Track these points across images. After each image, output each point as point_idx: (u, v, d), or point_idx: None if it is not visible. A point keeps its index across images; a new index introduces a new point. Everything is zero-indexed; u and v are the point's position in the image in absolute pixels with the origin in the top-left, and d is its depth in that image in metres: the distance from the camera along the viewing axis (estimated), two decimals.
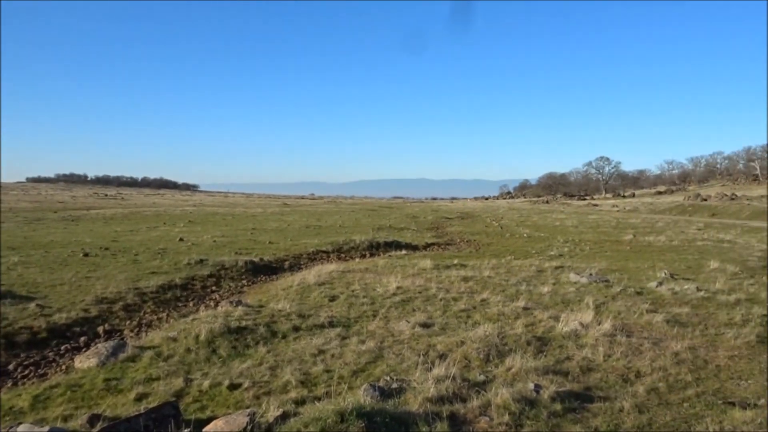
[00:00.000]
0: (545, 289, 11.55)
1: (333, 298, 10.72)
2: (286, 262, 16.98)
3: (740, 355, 7.33)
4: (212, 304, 11.22)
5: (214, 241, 20.84)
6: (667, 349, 7.41)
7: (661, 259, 17.77)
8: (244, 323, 8.51)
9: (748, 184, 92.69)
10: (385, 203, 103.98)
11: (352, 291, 11.42)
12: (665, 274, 13.81)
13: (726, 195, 63.45)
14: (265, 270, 15.59)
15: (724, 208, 50.71)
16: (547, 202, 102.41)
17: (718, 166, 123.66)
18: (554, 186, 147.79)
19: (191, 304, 11.36)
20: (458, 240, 26.33)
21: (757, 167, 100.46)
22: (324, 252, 19.58)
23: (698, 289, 11.44)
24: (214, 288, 13.00)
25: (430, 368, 6.41)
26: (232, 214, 42.73)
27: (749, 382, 6.42)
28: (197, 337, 7.82)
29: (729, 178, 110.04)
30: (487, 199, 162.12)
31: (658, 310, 9.64)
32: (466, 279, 13.02)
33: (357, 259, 18.48)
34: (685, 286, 11.79)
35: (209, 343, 7.70)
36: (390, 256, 19.11)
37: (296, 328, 8.49)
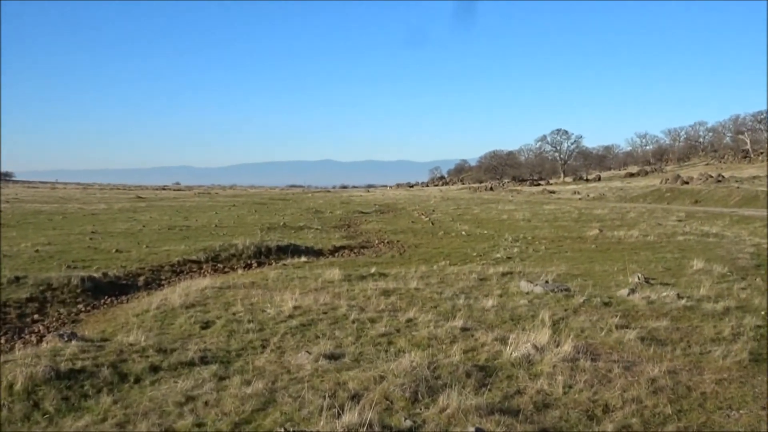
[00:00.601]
0: (489, 302, 11.83)
1: (207, 325, 10.52)
2: (141, 278, 16.53)
3: (730, 379, 7.77)
4: (34, 339, 10.76)
5: (37, 251, 19.94)
6: (642, 374, 7.75)
7: (634, 260, 18.63)
8: (80, 364, 8.18)
9: (737, 163, 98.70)
10: (278, 194, 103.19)
11: (234, 314, 11.25)
12: (639, 278, 14.48)
13: (711, 176, 67.38)
14: (110, 289, 15.08)
15: (709, 193, 53.81)
16: (492, 188, 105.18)
17: (701, 140, 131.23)
18: (500, 168, 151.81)
19: (3, 340, 10.84)
20: (376, 241, 26.52)
21: (748, 141, 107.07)
22: (194, 262, 19.21)
23: (679, 297, 12.07)
24: (36, 316, 12.46)
25: (339, 414, 6.40)
26: (63, 212, 41.02)
27: (741, 412, 6.81)
28: (11, 386, 7.44)
29: (714, 155, 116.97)
30: (412, 186, 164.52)
31: (630, 325, 10.08)
32: (386, 293, 13.12)
33: (240, 271, 18.25)
34: (664, 293, 12.41)
35: (29, 393, 7.35)
36: (285, 265, 18.97)
37: (155, 368, 8.25)
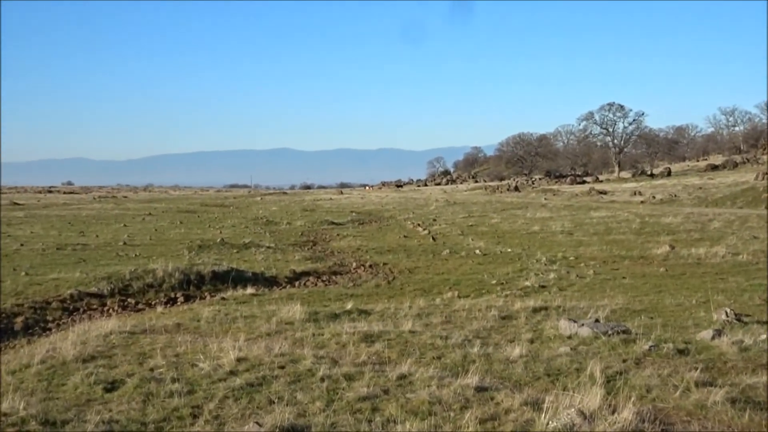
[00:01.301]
0: (516, 351, 11.80)
1: (113, 386, 10.43)
2: (19, 319, 16.41)
3: None
4: None
5: None
6: None
7: (720, 289, 18.69)
8: None
9: None
10: (214, 198, 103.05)
11: (151, 370, 11.17)
12: (727, 314, 14.50)
13: None
14: None
15: None
16: (517, 188, 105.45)
17: None
18: (528, 159, 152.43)
19: None
20: (354, 264, 26.53)
21: None
22: (94, 296, 19.11)
23: None
24: None
25: None
26: None
27: None
28: None
29: None
30: (402, 185, 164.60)
31: (716, 382, 10.07)
32: (369, 338, 13.08)
33: (159, 308, 18.15)
34: (762, 336, 12.43)
35: None
36: (224, 299, 18.92)
37: None
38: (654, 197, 69.16)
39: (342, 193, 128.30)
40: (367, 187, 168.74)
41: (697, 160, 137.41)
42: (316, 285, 22.27)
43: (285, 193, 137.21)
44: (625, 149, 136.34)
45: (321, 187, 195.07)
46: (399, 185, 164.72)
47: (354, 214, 58.31)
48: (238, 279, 21.71)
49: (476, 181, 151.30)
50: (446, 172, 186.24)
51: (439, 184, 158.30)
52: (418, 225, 44.70)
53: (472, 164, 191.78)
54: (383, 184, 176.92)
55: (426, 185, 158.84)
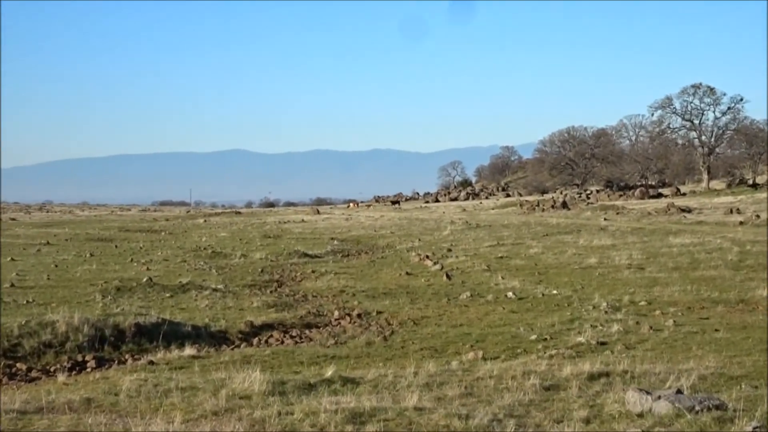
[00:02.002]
0: None
1: None
2: None
3: None
4: None
5: None
6: None
7: None
8: None
9: None
10: (138, 220, 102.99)
11: None
12: None
13: None
14: None
15: None
16: (566, 204, 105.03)
17: None
18: (581, 163, 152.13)
19: None
20: (336, 314, 26.47)
21: None
22: None
23: None
24: None
25: None
26: None
27: None
28: None
29: None
30: (397, 203, 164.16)
31: None
32: (358, 418, 13.00)
33: (61, 377, 18.07)
34: None
35: None
36: (152, 363, 18.87)
37: None
38: (758, 216, 68.88)
39: (319, 212, 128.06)
40: (352, 204, 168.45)
41: None
42: (282, 343, 22.21)
43: (238, 212, 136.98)
44: (718, 149, 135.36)
45: (289, 203, 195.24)
46: (397, 201, 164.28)
47: (336, 242, 58.24)
48: (173, 335, 21.63)
49: (508, 195, 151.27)
50: (466, 182, 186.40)
51: (455, 198, 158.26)
52: (427, 257, 44.54)
53: (502, 171, 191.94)
54: (377, 199, 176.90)
55: (437, 200, 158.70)
